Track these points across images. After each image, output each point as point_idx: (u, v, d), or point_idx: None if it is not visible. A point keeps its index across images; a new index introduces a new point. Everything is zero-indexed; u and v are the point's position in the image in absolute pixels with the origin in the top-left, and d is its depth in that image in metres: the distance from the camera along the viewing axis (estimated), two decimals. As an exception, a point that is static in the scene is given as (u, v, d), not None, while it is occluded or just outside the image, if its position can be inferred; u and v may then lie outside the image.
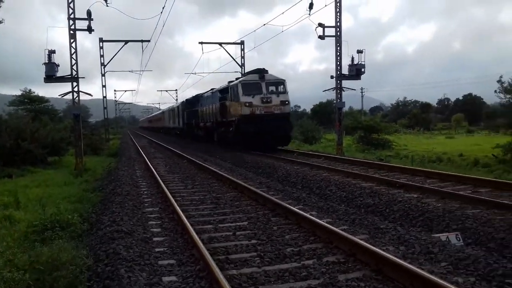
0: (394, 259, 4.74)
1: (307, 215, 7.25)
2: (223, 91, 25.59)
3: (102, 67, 36.10)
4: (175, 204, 8.68)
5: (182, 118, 40.25)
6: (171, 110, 50.73)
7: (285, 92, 22.23)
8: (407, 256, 5.31)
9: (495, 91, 34.19)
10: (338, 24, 22.96)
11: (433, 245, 5.64)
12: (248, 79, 22.28)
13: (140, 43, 30.22)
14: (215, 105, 26.87)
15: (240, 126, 21.73)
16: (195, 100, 34.73)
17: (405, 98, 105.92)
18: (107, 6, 20.71)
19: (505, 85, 32.51)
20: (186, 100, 38.24)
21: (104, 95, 38.24)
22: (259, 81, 21.84)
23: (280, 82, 22.50)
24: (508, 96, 33.22)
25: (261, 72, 22.38)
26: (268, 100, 21.44)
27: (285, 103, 21.88)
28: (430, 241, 5.83)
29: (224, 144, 25.69)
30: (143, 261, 5.64)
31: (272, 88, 22.23)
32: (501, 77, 32.69)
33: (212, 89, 29.88)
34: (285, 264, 5.43)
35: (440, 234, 6.45)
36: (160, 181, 12.14)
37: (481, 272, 4.60)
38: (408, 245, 5.78)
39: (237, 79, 24.46)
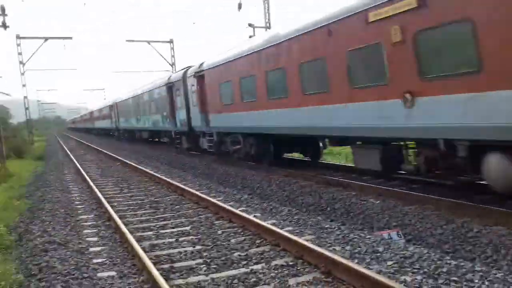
0: (343, 261, 4.75)
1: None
2: None
3: (21, 65, 34.53)
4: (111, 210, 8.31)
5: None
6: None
7: None
8: (354, 256, 5.37)
9: None
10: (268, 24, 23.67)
11: (378, 244, 5.75)
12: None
13: (62, 40, 28.99)
14: None
15: None
16: None
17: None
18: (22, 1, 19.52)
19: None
20: None
21: (25, 94, 36.13)
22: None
23: None
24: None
25: None
26: None
27: None
28: (375, 240, 5.95)
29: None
30: (81, 274, 5.26)
31: None
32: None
33: None
34: (233, 270, 5.30)
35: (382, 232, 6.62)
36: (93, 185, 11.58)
37: (427, 270, 4.73)
38: (353, 244, 5.85)
39: None
